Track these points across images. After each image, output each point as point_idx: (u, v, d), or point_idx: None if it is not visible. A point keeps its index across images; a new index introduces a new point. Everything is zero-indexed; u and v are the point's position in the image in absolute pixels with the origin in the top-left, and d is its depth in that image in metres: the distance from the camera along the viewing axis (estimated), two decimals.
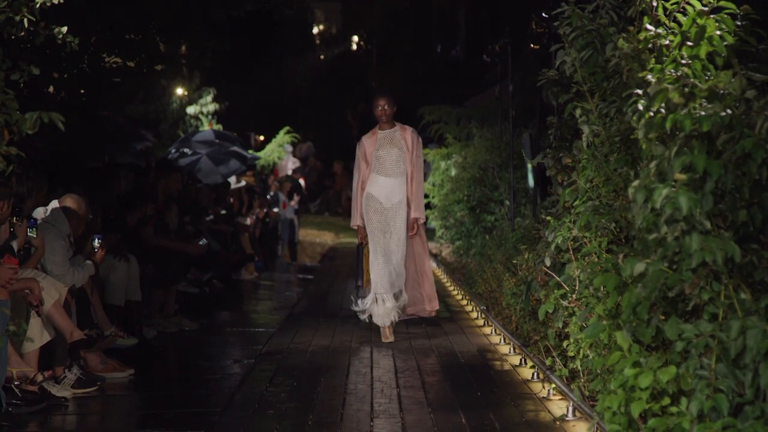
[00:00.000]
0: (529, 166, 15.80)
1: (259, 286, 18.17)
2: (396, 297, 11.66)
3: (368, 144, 11.95)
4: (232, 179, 21.89)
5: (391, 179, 11.82)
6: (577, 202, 7.57)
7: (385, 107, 11.85)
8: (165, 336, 11.97)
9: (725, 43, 6.86)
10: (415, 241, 12.01)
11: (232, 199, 20.34)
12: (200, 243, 13.75)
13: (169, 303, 12.68)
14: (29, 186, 9.44)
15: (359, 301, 11.83)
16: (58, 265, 9.38)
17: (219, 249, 16.67)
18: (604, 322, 6.63)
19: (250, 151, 25.68)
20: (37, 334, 8.57)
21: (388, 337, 11.36)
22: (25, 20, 6.67)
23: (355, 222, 11.98)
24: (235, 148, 21.67)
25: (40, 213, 9.76)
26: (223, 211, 18.16)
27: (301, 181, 30.66)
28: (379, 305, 11.52)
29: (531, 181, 15.62)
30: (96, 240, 10.12)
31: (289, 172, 30.80)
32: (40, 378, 8.46)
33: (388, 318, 11.46)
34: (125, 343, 10.49)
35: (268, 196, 22.85)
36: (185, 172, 18.18)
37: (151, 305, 12.22)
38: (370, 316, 11.62)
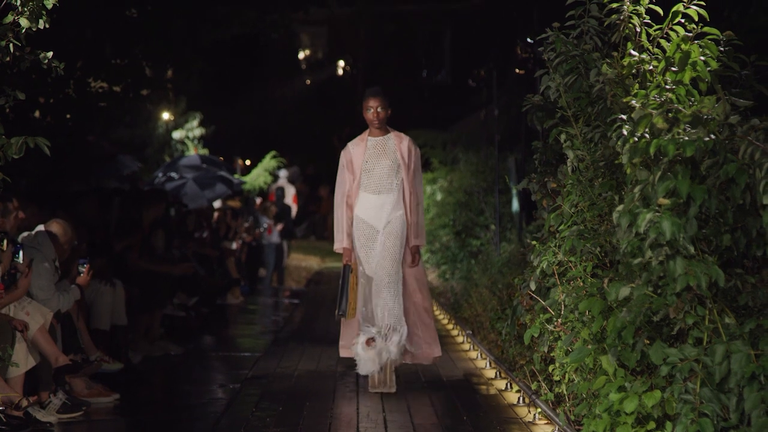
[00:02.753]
0: (514, 190, 15.85)
1: (244, 310, 18.14)
2: (386, 337, 9.70)
3: (356, 153, 9.97)
4: (217, 202, 21.89)
5: (383, 197, 9.87)
6: (562, 227, 7.59)
7: (378, 109, 9.86)
8: (150, 360, 11.94)
9: (709, 68, 6.91)
10: (413, 273, 10.10)
11: (219, 216, 20.37)
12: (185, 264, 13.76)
13: (155, 327, 12.66)
14: (12, 210, 9.44)
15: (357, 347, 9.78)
16: (43, 290, 9.36)
17: (204, 273, 16.66)
18: (590, 347, 6.64)
19: (236, 176, 25.68)
20: (23, 359, 8.55)
21: (376, 385, 9.67)
22: (11, 45, 6.68)
23: (340, 244, 9.98)
24: (222, 173, 21.69)
25: (25, 238, 9.74)
26: (205, 233, 18.15)
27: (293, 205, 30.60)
28: (366, 347, 9.68)
29: (516, 206, 15.65)
30: (82, 264, 10.11)
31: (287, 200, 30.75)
32: (25, 403, 8.42)
33: (375, 364, 9.61)
34: (111, 368, 10.47)
35: (247, 223, 22.80)
36: (171, 196, 18.18)
37: (136, 329, 12.20)
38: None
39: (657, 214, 5.66)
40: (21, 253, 9.03)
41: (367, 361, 9.66)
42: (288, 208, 28.36)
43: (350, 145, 10.09)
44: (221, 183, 21.36)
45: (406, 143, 9.99)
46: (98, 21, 13.72)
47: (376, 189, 9.92)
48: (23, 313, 8.80)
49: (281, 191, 29.08)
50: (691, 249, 5.71)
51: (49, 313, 9.06)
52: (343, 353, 10.14)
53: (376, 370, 9.66)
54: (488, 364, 10.99)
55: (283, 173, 30.91)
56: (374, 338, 9.68)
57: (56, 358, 8.95)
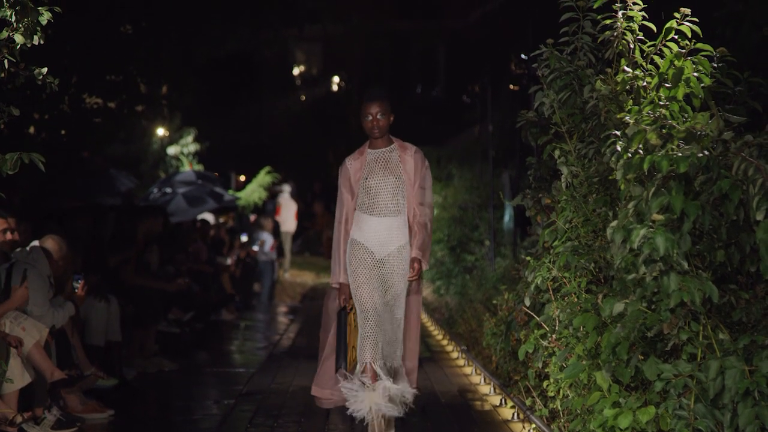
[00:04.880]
0: (507, 205, 15.89)
1: (239, 326, 18.13)
2: (391, 374, 8.22)
3: (354, 168, 8.48)
4: (210, 217, 21.89)
5: (386, 220, 8.34)
6: (556, 243, 7.60)
7: (378, 117, 8.32)
8: (145, 376, 11.93)
9: (702, 84, 6.93)
10: (408, 290, 8.44)
11: (215, 232, 20.40)
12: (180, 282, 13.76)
13: (149, 343, 12.65)
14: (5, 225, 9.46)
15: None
16: (38, 306, 9.36)
17: (198, 289, 16.65)
18: (584, 362, 6.65)
19: (231, 191, 25.68)
20: (18, 375, 8.54)
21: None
22: (6, 61, 6.69)
23: (337, 278, 8.42)
24: (215, 189, 21.69)
25: (19, 253, 9.74)
26: (192, 248, 18.15)
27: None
28: (365, 388, 8.06)
29: (506, 217, 15.65)
30: (76, 280, 10.11)
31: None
32: (19, 419, 8.42)
33: (377, 405, 8.02)
34: (105, 384, 10.45)
35: (245, 238, 22.79)
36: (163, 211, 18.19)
37: (131, 345, 12.19)
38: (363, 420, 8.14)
39: (651, 229, 5.68)
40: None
41: (367, 401, 8.05)
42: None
43: (348, 160, 8.60)
44: (211, 199, 21.35)
45: (412, 155, 8.42)
46: (93, 37, 13.73)
47: (379, 211, 8.35)
48: (19, 328, 8.80)
49: (272, 205, 29.07)
50: (685, 265, 5.72)
51: (45, 329, 9.06)
52: (316, 391, 8.53)
53: (376, 414, 8.06)
54: (483, 379, 10.99)
55: (286, 188, 30.86)
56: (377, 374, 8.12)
57: (51, 373, 8.95)
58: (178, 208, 20.55)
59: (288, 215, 29.55)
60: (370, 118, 8.36)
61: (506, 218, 16.15)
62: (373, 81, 41.68)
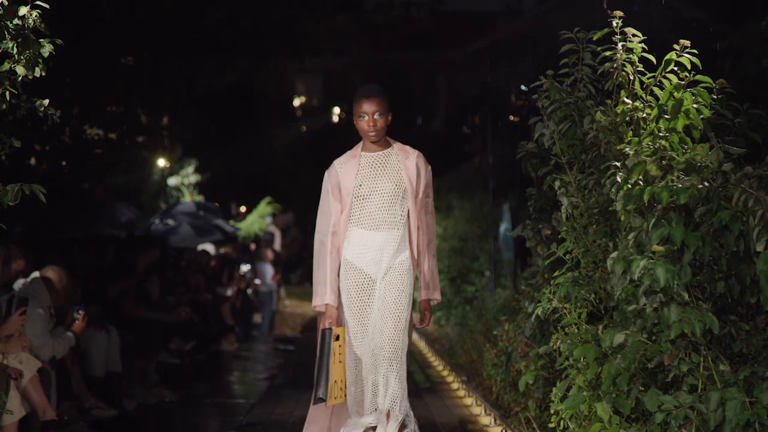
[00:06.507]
0: (505, 234, 15.91)
1: (239, 356, 18.10)
2: (398, 419, 7.14)
3: (345, 173, 7.35)
4: (211, 248, 21.93)
5: (383, 234, 7.26)
6: (556, 273, 7.60)
7: (375, 116, 7.25)
8: (145, 407, 11.91)
9: (702, 116, 6.94)
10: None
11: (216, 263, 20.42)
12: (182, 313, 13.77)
13: (149, 374, 12.63)
14: (6, 256, 9.47)
15: None
16: (38, 337, 9.35)
17: (199, 319, 16.65)
18: (584, 393, 6.64)
19: (231, 222, 25.73)
20: (17, 407, 8.53)
21: None
22: (7, 93, 6.71)
23: (321, 299, 7.30)
24: (218, 221, 21.77)
25: (20, 284, 9.75)
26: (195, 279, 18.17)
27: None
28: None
29: (503, 234, 15.62)
30: (77, 311, 10.11)
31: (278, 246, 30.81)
32: None
33: None
34: (105, 415, 10.44)
35: (245, 268, 22.79)
36: (166, 242, 18.21)
37: (131, 376, 12.18)
38: None
39: (651, 261, 5.68)
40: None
41: None
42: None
43: (337, 163, 7.45)
44: (217, 231, 21.46)
45: (414, 160, 7.38)
46: (94, 68, 13.78)
47: (374, 223, 7.28)
48: (16, 361, 8.79)
49: (270, 236, 29.14)
50: (686, 296, 5.73)
51: (39, 364, 9.02)
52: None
53: None
54: (483, 410, 10.97)
55: (268, 219, 30.98)
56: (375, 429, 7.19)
57: (44, 411, 8.94)
58: (187, 236, 20.61)
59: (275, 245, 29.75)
60: (366, 117, 7.28)
61: (503, 236, 16.20)
62: None
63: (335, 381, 7.17)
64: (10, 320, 8.92)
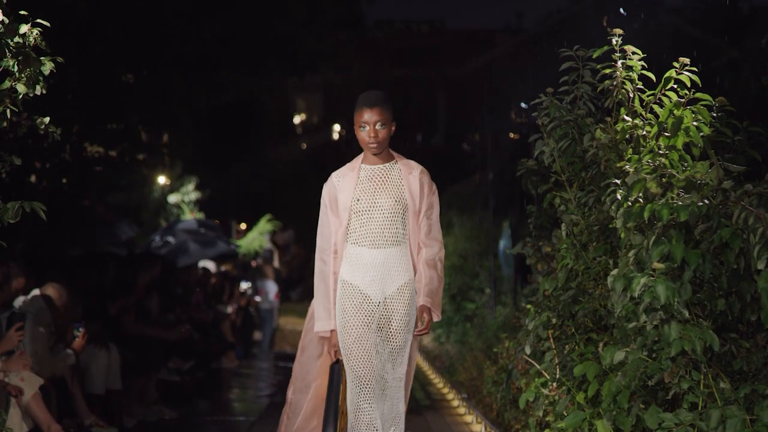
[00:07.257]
0: (504, 252, 15.91)
1: (239, 374, 18.09)
2: None
3: (342, 186, 6.95)
4: (211, 265, 21.94)
5: (383, 252, 6.85)
6: (556, 291, 7.60)
7: (377, 127, 6.84)
8: (145, 425, 11.89)
9: (702, 134, 6.95)
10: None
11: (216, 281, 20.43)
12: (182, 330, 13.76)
13: (150, 391, 12.62)
14: (7, 274, 9.47)
15: None
16: (38, 354, 9.35)
17: (199, 337, 16.64)
18: (585, 411, 6.63)
19: (232, 240, 25.74)
20: (17, 424, 8.53)
21: None
22: (8, 111, 6.72)
23: (326, 325, 6.94)
24: (218, 240, 21.79)
25: (21, 302, 9.75)
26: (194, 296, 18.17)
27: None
28: None
29: (502, 251, 15.61)
30: (77, 329, 10.10)
31: (277, 264, 30.83)
32: None
33: None
34: None
35: (246, 286, 22.79)
36: (168, 260, 18.21)
37: (131, 394, 12.16)
38: None
39: (651, 278, 5.68)
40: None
41: None
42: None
43: (335, 176, 7.05)
44: (222, 243, 21.48)
45: (418, 175, 6.99)
46: (94, 86, 13.80)
47: (374, 241, 6.85)
48: (17, 379, 8.79)
49: (269, 253, 29.14)
50: (686, 313, 5.73)
51: (41, 381, 9.02)
52: None
53: None
54: (484, 428, 10.95)
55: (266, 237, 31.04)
56: None
57: (48, 426, 8.93)
58: (195, 252, 20.61)
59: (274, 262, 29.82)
60: (368, 128, 6.85)
61: (503, 251, 16.21)
62: None
63: (342, 412, 6.88)
64: (7, 336, 8.92)
